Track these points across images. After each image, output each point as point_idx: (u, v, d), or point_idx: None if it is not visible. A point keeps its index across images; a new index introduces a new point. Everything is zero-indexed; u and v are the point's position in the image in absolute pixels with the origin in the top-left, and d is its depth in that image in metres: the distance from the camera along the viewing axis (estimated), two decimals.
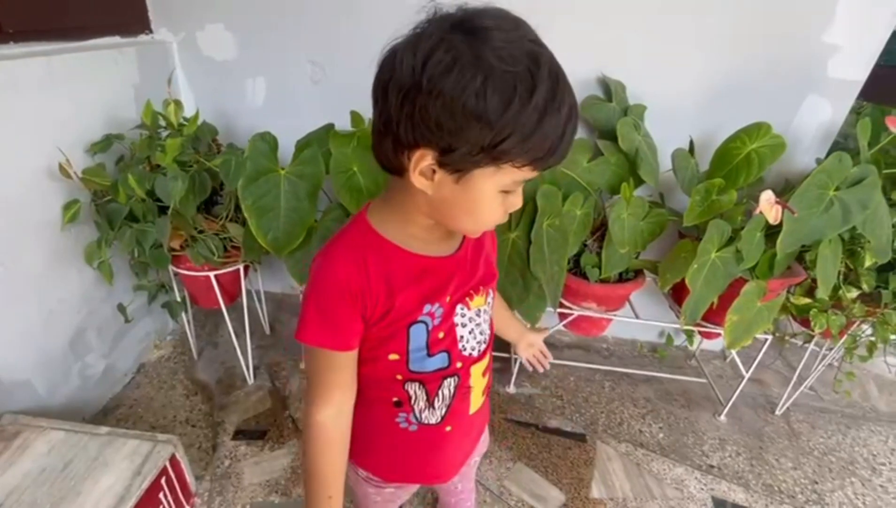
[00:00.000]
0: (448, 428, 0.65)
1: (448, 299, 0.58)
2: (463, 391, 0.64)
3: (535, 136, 0.43)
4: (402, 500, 0.82)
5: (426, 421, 0.64)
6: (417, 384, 0.60)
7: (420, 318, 0.56)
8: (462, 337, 0.61)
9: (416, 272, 0.55)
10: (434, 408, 0.62)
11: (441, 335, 0.58)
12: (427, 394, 0.61)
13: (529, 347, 0.89)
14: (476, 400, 0.67)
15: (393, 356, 0.58)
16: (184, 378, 1.52)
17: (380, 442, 0.67)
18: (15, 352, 1.12)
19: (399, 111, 0.44)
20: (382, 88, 0.45)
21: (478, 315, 0.62)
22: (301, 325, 0.54)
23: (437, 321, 0.58)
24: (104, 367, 1.39)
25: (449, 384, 0.62)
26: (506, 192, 0.49)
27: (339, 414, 0.58)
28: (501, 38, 0.41)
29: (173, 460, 1.02)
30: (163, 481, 0.99)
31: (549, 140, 0.44)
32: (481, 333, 0.63)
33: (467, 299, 0.60)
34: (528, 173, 0.47)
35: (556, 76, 0.43)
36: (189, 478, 1.10)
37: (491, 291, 0.64)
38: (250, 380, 1.52)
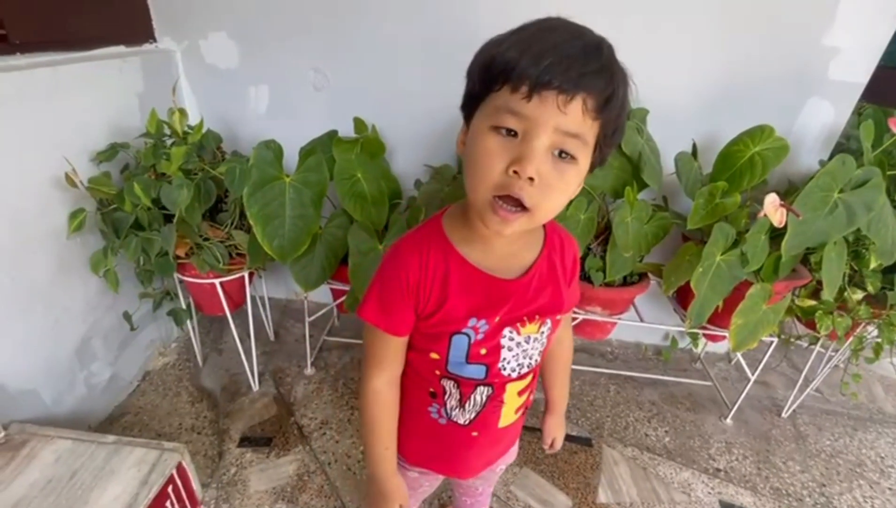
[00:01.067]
0: (475, 433, 0.67)
1: (497, 319, 0.58)
2: (495, 402, 0.64)
3: (501, 49, 0.45)
4: (424, 492, 0.83)
5: (455, 419, 0.65)
6: (453, 382, 0.62)
7: (464, 330, 0.57)
8: (504, 359, 0.61)
9: (470, 284, 0.56)
10: (464, 409, 0.64)
11: (483, 351, 0.59)
12: (461, 395, 0.63)
13: (559, 428, 0.84)
14: (508, 415, 0.67)
15: (434, 355, 0.61)
16: (189, 386, 1.52)
17: (410, 425, 0.69)
18: (21, 361, 1.12)
19: None
20: None
21: (526, 342, 0.61)
22: (363, 302, 0.60)
23: (479, 337, 0.58)
24: (110, 375, 1.39)
25: (482, 393, 0.63)
26: (498, 132, 0.46)
27: (390, 383, 0.64)
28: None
29: (180, 468, 1.02)
30: (169, 489, 0.99)
31: (512, 50, 0.44)
32: (525, 357, 0.62)
33: (518, 324, 0.59)
34: (507, 97, 0.44)
35: (561, 23, 0.47)
36: (195, 486, 1.09)
37: (549, 320, 0.62)
38: (255, 387, 1.52)
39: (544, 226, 0.62)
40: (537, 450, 1.38)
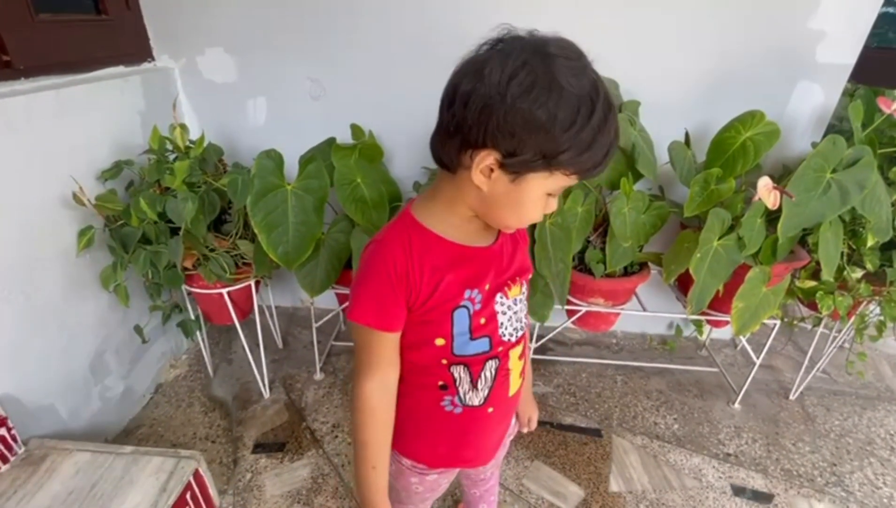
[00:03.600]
0: (490, 409, 0.69)
1: (487, 286, 0.62)
2: (503, 373, 0.68)
3: (588, 151, 0.51)
4: (441, 490, 0.84)
5: (470, 403, 0.67)
6: (462, 366, 0.64)
7: (462, 303, 0.61)
8: (502, 324, 0.64)
9: (455, 259, 0.60)
10: (477, 389, 0.66)
11: (483, 320, 0.62)
12: (471, 376, 0.65)
13: (532, 406, 0.88)
14: (514, 382, 0.71)
15: (439, 341, 0.62)
16: (201, 396, 1.54)
17: (425, 428, 0.70)
18: (38, 377, 1.15)
19: (476, 117, 0.50)
20: (463, 96, 0.51)
21: (515, 304, 0.66)
22: (351, 305, 0.59)
23: (477, 307, 0.62)
24: (123, 388, 1.42)
25: (491, 367, 0.66)
26: (550, 195, 0.56)
27: (383, 388, 0.63)
28: (570, 65, 0.49)
29: (197, 475, 1.04)
30: (188, 496, 1.01)
31: (597, 156, 0.52)
32: (518, 320, 0.67)
33: (505, 288, 0.64)
34: (573, 181, 0.55)
35: (610, 104, 0.51)
36: (212, 493, 1.11)
37: (524, 282, 0.69)
38: (266, 394, 1.54)
39: None
40: (548, 443, 1.40)
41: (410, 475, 0.76)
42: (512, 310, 0.66)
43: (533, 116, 0.48)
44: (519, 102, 0.48)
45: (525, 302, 0.69)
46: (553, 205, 0.58)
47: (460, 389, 0.66)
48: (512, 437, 0.86)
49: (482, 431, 0.72)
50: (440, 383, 0.65)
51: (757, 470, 1.33)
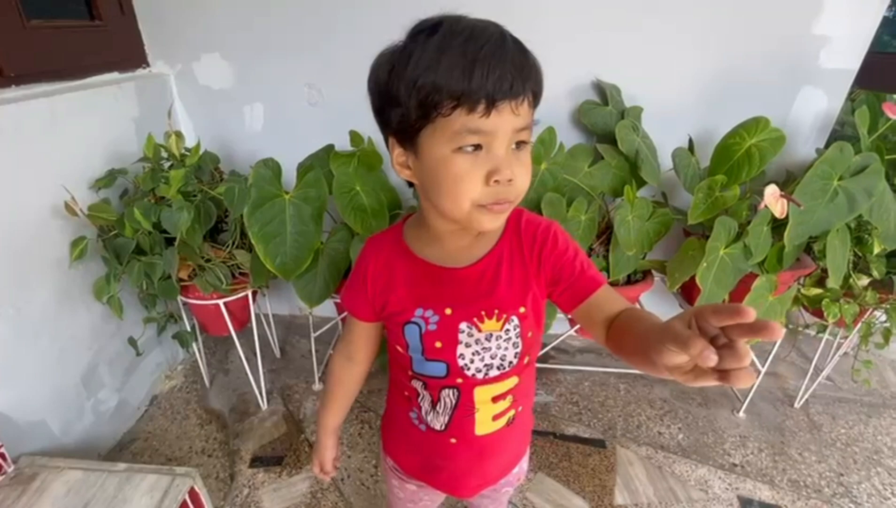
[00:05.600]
0: (453, 440, 0.65)
1: (448, 310, 0.57)
2: (465, 408, 0.62)
3: (438, 70, 0.45)
4: (426, 506, 0.82)
5: (432, 425, 0.65)
6: (422, 383, 0.63)
7: (412, 319, 0.59)
8: (462, 355, 0.59)
9: (416, 275, 0.60)
10: (437, 413, 0.64)
11: (438, 344, 0.59)
12: (431, 397, 0.63)
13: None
14: (484, 423, 0.64)
15: (399, 348, 0.63)
16: (197, 408, 1.51)
17: (400, 432, 0.72)
18: (29, 392, 1.12)
19: (376, 119, 0.54)
20: None
21: (488, 339, 0.58)
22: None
23: (431, 327, 0.58)
24: (117, 401, 1.39)
25: (448, 395, 0.62)
26: (463, 151, 0.47)
27: (347, 358, 0.72)
28: (419, 22, 0.48)
29: (192, 493, 1.01)
30: None
31: (454, 71, 0.44)
32: (493, 358, 0.59)
33: (475, 318, 0.58)
34: (464, 119, 0.45)
35: (464, 25, 0.46)
36: None
37: (515, 317, 0.58)
38: (264, 405, 1.51)
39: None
40: (551, 454, 1.37)
41: (392, 476, 0.77)
42: (481, 345, 0.58)
43: (378, 75, 0.50)
44: (371, 78, 0.51)
45: (516, 340, 0.59)
46: (498, 169, 0.47)
47: (422, 405, 0.65)
48: (512, 487, 0.81)
49: (448, 460, 0.68)
50: (406, 393, 0.66)
51: (764, 481, 1.31)
